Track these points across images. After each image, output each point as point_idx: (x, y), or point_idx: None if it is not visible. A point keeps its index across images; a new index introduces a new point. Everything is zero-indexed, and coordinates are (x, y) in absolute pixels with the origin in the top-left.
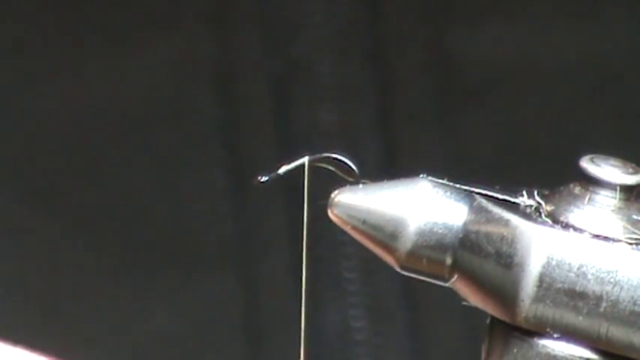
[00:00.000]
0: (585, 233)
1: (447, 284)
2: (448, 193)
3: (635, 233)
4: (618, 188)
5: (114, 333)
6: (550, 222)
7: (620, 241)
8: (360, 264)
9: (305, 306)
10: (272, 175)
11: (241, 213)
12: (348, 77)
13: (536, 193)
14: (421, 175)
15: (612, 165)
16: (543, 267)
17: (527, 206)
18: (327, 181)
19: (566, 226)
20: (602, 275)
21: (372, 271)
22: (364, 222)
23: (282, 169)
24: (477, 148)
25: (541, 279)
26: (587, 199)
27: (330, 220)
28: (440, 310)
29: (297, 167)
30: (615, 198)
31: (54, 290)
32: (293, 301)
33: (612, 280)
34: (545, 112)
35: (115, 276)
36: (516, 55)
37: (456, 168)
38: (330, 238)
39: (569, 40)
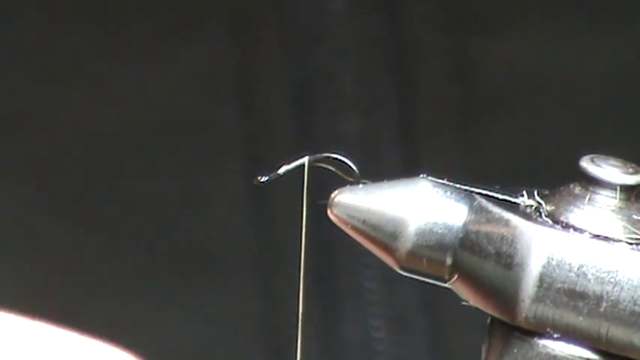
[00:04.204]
0: (585, 233)
1: (446, 284)
2: (448, 193)
3: (635, 233)
4: (618, 188)
5: (133, 342)
6: (550, 222)
7: (621, 241)
8: (380, 274)
9: (302, 306)
10: (272, 175)
11: (262, 223)
12: (370, 88)
13: (536, 193)
14: (421, 175)
15: (612, 165)
16: (543, 267)
17: (527, 206)
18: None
19: (567, 226)
20: (602, 275)
21: (393, 281)
22: (364, 222)
23: (282, 169)
24: (499, 159)
25: (541, 279)
26: (587, 199)
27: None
28: (461, 321)
29: (297, 167)
30: (615, 198)
31: (74, 298)
32: (313, 311)
33: (612, 280)
34: (568, 122)
35: (135, 285)
36: (538, 65)
37: (478, 178)
38: (350, 248)
39: (589, 49)
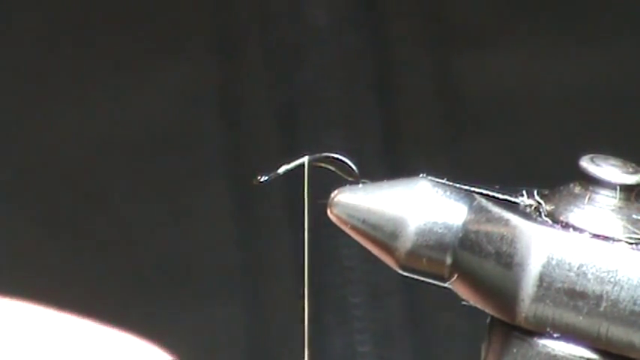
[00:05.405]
0: (585, 233)
1: (446, 284)
2: (448, 193)
3: (635, 233)
4: (618, 188)
5: None
6: (550, 222)
7: (620, 240)
8: (365, 288)
9: (307, 310)
10: (272, 174)
11: (247, 238)
12: (354, 104)
13: (536, 192)
14: (421, 175)
15: (612, 165)
16: (543, 266)
17: (527, 206)
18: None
19: (566, 225)
20: (602, 275)
21: (378, 295)
22: (364, 221)
23: (282, 169)
24: (484, 174)
25: (541, 278)
26: (587, 198)
27: (335, 247)
28: (446, 335)
29: (296, 167)
30: (615, 198)
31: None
32: (299, 326)
33: (612, 279)
34: (553, 138)
35: (121, 301)
36: (522, 80)
37: None
38: (336, 264)
39: (574, 65)
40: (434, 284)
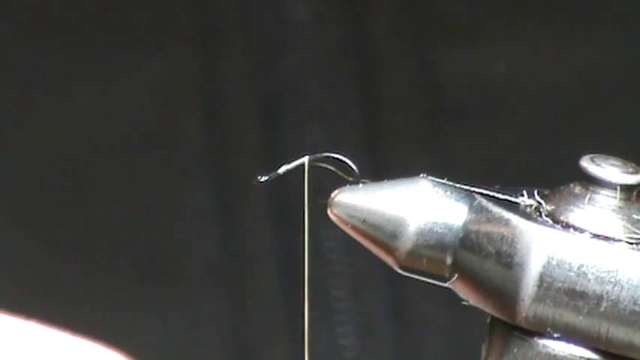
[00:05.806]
0: (585, 233)
1: (446, 284)
2: (448, 193)
3: (635, 233)
4: (618, 188)
5: None
6: (550, 222)
7: (621, 240)
8: (348, 282)
9: (308, 308)
10: (272, 174)
11: (229, 233)
12: (336, 98)
13: (536, 192)
14: (421, 175)
15: (612, 164)
16: (543, 267)
17: (527, 206)
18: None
19: (567, 225)
20: (602, 275)
21: (361, 289)
22: (364, 221)
23: (282, 169)
24: (466, 168)
25: (541, 278)
26: (587, 198)
27: (318, 240)
28: (429, 328)
29: (296, 167)
30: (615, 198)
31: (43, 310)
32: (281, 319)
33: (612, 279)
34: (534, 131)
35: (104, 296)
36: (504, 74)
37: None
38: (319, 257)
39: (553, 57)
40: (434, 284)
